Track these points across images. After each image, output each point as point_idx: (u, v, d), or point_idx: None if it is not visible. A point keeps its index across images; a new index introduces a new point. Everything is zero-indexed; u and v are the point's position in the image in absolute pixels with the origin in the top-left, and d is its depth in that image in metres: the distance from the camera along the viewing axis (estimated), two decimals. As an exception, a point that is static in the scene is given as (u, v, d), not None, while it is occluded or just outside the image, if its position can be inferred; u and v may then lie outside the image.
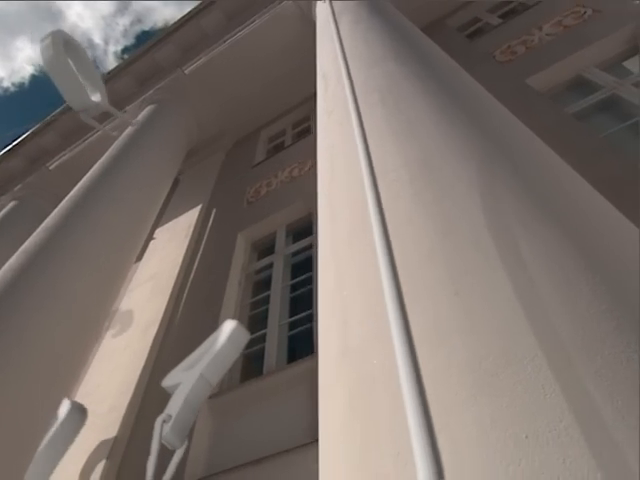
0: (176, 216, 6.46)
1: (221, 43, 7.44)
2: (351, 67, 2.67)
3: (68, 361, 3.48)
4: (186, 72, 7.50)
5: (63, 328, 3.51)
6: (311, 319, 3.78)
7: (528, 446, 0.84)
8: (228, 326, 2.62)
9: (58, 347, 3.40)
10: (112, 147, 5.98)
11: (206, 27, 8.14)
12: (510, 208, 1.36)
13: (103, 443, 3.56)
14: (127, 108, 7.73)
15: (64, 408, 2.14)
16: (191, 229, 5.92)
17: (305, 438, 2.80)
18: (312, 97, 7.65)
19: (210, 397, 3.51)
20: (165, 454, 2.00)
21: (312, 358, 3.27)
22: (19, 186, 8.69)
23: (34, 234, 4.26)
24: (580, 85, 4.09)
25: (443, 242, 1.31)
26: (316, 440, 2.12)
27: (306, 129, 7.16)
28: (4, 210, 8.23)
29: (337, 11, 4.11)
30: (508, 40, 5.11)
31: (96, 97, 5.37)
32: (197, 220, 6.10)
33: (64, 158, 8.59)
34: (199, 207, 6.38)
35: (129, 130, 6.49)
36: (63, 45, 4.90)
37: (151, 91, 7.63)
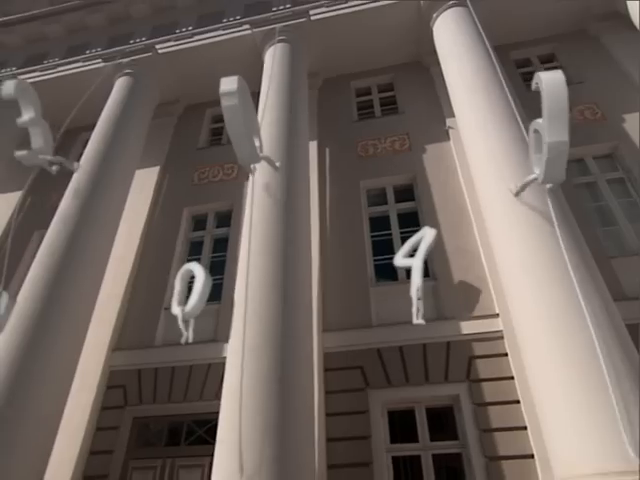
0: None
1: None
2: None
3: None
4: (312, 18, 9.14)
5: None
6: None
7: None
8: (431, 232, 4.72)
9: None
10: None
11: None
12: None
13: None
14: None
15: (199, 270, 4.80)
16: (315, 160, 8.49)
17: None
18: (396, 67, 9.96)
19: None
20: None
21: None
22: (126, 60, 9.78)
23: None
24: (579, 163, 7.54)
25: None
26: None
27: (391, 100, 9.68)
28: (121, 83, 9.50)
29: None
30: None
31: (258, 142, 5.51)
32: (318, 153, 8.63)
33: (173, 49, 9.82)
34: (315, 142, 8.83)
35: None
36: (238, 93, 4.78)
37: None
